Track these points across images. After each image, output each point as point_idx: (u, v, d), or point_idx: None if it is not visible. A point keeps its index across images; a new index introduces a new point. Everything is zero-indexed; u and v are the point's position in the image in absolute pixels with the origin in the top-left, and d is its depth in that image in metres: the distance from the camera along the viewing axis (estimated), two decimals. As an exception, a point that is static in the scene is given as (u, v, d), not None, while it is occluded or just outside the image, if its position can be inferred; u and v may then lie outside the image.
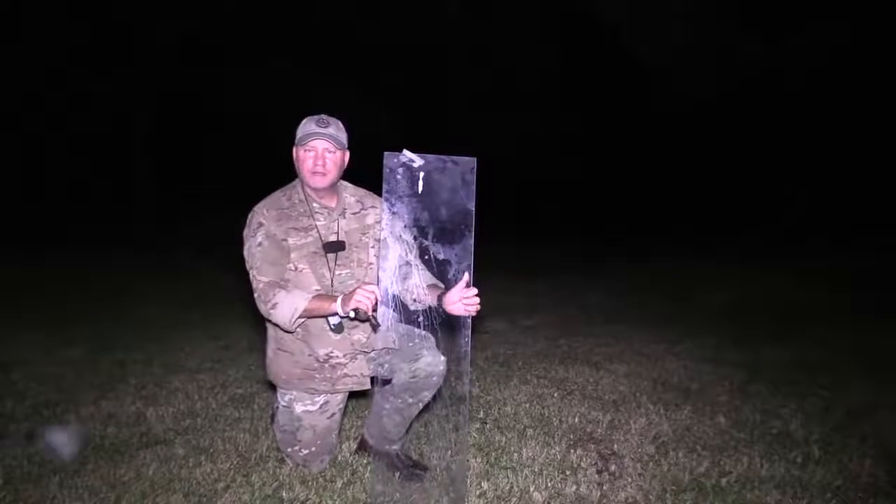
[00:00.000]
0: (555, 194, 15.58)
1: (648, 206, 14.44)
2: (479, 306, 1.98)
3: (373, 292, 1.89)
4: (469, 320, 2.01)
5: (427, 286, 2.12)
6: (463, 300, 1.96)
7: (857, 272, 7.59)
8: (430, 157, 1.93)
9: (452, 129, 14.03)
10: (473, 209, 1.94)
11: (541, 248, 10.94)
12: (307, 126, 2.10)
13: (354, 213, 2.23)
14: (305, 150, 2.09)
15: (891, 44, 10.63)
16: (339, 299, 1.95)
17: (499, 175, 15.65)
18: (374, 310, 1.91)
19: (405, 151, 1.91)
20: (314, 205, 2.17)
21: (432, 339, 2.18)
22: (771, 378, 3.45)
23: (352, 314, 1.93)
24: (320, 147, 2.09)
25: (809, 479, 2.22)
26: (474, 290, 1.96)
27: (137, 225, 11.84)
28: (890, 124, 11.22)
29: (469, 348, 2.05)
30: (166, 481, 2.15)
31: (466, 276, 1.97)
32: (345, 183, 2.28)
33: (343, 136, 2.13)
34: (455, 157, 1.94)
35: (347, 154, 2.17)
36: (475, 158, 1.94)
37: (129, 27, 12.52)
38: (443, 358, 2.14)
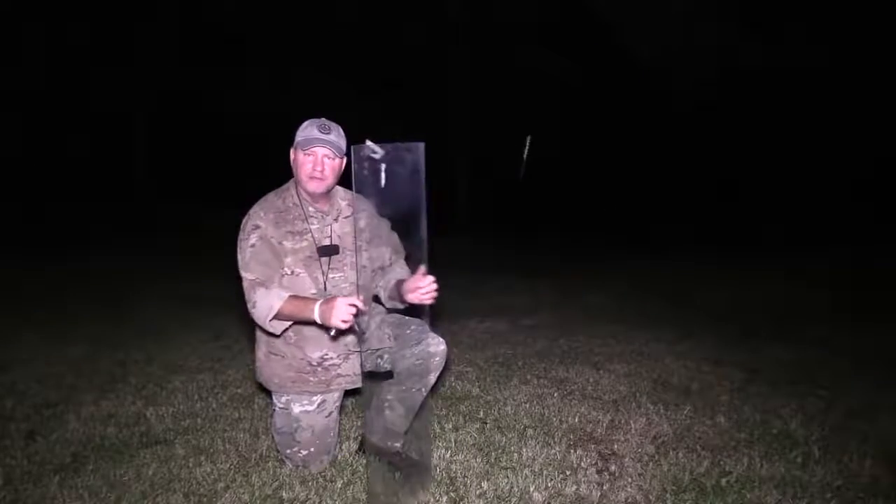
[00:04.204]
0: (554, 195, 15.57)
1: (648, 206, 14.43)
2: (435, 294, 2.00)
3: (353, 305, 1.85)
4: (427, 309, 2.06)
5: (396, 281, 2.16)
6: (419, 289, 1.99)
7: (858, 273, 7.59)
8: (388, 146, 1.87)
9: (452, 129, 14.02)
10: (424, 196, 1.88)
11: (541, 249, 10.94)
12: (309, 130, 2.09)
13: (347, 217, 2.24)
14: (305, 154, 2.09)
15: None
16: (317, 309, 1.91)
17: (497, 175, 15.67)
18: (357, 315, 1.88)
19: (368, 142, 1.85)
20: (309, 209, 2.17)
21: (426, 324, 2.20)
22: (771, 378, 3.44)
23: (332, 332, 1.95)
24: (320, 153, 2.09)
25: (809, 479, 2.22)
26: (430, 279, 1.98)
27: (137, 224, 11.83)
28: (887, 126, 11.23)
29: (427, 324, 2.13)
30: (166, 481, 2.15)
31: (423, 267, 1.98)
32: (337, 187, 2.26)
33: (343, 143, 2.12)
34: (408, 144, 1.88)
35: (345, 161, 2.16)
36: (423, 143, 1.87)
37: (130, 27, 12.53)
38: (442, 339, 2.17)
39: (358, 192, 1.99)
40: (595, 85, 14.68)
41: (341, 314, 1.84)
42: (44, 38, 12.07)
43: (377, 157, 1.86)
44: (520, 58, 13.96)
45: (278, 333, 2.09)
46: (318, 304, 1.92)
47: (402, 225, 2.17)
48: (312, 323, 2.00)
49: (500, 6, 13.38)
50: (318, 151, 2.09)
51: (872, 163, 11.86)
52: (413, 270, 2.05)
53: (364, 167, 1.88)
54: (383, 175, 1.88)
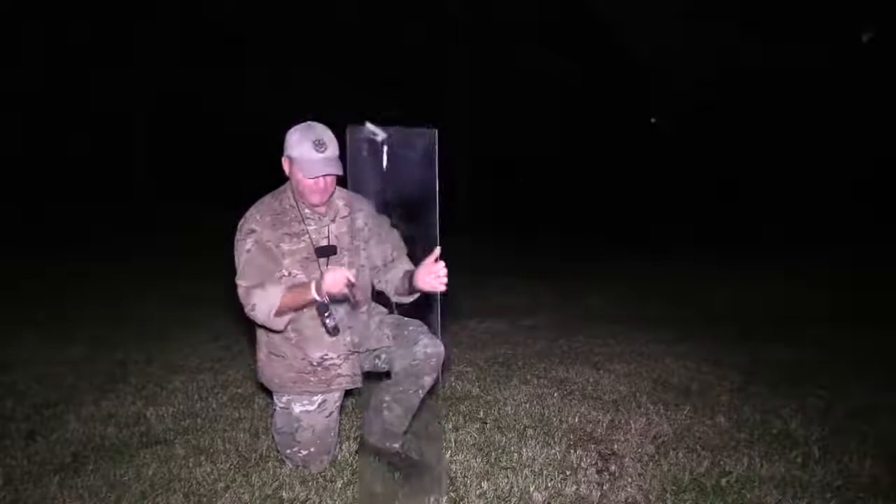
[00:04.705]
0: (554, 195, 15.58)
1: (648, 206, 14.44)
2: (446, 279, 1.98)
3: (342, 272, 1.91)
4: (438, 296, 2.02)
5: (405, 272, 2.16)
6: (432, 273, 1.97)
7: (858, 273, 7.59)
8: (392, 128, 1.85)
9: (452, 129, 14.02)
10: (436, 182, 1.87)
11: (541, 249, 10.94)
12: (305, 150, 2.01)
13: (344, 217, 2.23)
14: (307, 178, 2.04)
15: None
16: (313, 285, 1.96)
17: (496, 176, 15.65)
18: (351, 286, 1.92)
19: (368, 124, 1.83)
20: (305, 210, 2.16)
21: (425, 325, 2.19)
22: (771, 378, 3.45)
23: (326, 299, 1.97)
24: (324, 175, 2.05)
25: (809, 479, 2.22)
26: (442, 264, 1.96)
27: (137, 224, 11.83)
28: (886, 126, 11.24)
29: (438, 325, 2.07)
30: (166, 481, 2.15)
31: (437, 251, 1.96)
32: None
33: (338, 151, 2.06)
34: (417, 129, 1.87)
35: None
36: (436, 129, 1.85)
37: (130, 27, 12.53)
38: (440, 340, 2.14)
39: (353, 174, 1.94)
40: (595, 85, 14.67)
41: (334, 279, 1.91)
42: (44, 38, 12.07)
43: (378, 138, 1.83)
44: (520, 58, 13.96)
45: (281, 329, 2.09)
46: (313, 283, 1.97)
47: (412, 210, 2.11)
48: (311, 303, 2.01)
49: (500, 6, 13.38)
50: (321, 178, 2.05)
51: (872, 163, 11.87)
52: (423, 257, 2.01)
53: (362, 149, 1.85)
54: (385, 157, 1.84)
